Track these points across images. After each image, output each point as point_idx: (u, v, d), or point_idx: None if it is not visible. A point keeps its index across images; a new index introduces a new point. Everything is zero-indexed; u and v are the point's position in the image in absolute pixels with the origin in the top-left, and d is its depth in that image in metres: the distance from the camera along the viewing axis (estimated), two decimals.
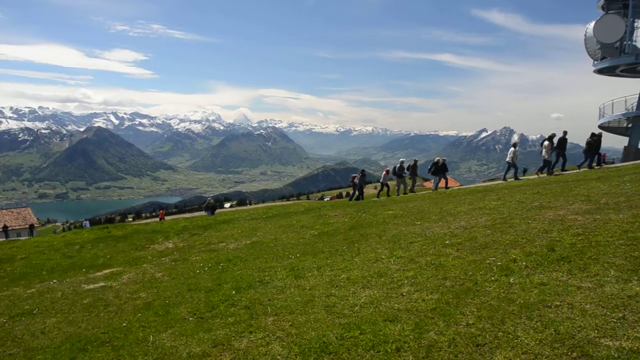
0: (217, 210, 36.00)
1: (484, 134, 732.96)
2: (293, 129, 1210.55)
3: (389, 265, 7.29)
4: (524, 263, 6.11)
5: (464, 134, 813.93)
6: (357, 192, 27.19)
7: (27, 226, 66.91)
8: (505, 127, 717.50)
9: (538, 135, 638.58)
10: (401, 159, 25.57)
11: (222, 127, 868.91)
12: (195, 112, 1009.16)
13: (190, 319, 6.40)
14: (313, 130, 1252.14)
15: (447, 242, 8.09)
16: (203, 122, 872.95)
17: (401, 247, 8.41)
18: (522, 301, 4.86)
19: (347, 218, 14.49)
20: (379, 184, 27.17)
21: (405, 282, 6.31)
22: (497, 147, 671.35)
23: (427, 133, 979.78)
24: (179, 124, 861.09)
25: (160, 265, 11.37)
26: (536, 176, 22.87)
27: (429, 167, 25.01)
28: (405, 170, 25.18)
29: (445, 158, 25.46)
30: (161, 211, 41.67)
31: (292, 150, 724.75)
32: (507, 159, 23.11)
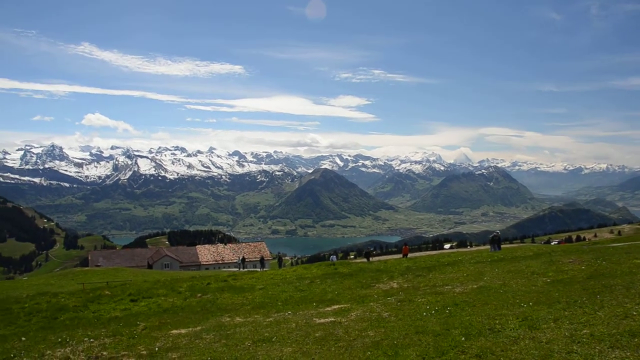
0: (439, 251, 35.06)
1: None
2: (517, 167, 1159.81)
3: None
4: None
5: None
6: None
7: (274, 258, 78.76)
8: None
9: None
10: None
11: (442, 168, 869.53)
12: (416, 152, 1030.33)
13: None
14: (538, 169, 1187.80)
15: None
16: (423, 163, 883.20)
17: None
18: None
19: (584, 265, 13.26)
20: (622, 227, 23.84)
21: None
22: None
23: None
24: (399, 164, 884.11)
25: (386, 304, 11.51)
26: None
27: None
28: None
29: None
30: (405, 247, 41.51)
31: (515, 190, 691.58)
32: None
